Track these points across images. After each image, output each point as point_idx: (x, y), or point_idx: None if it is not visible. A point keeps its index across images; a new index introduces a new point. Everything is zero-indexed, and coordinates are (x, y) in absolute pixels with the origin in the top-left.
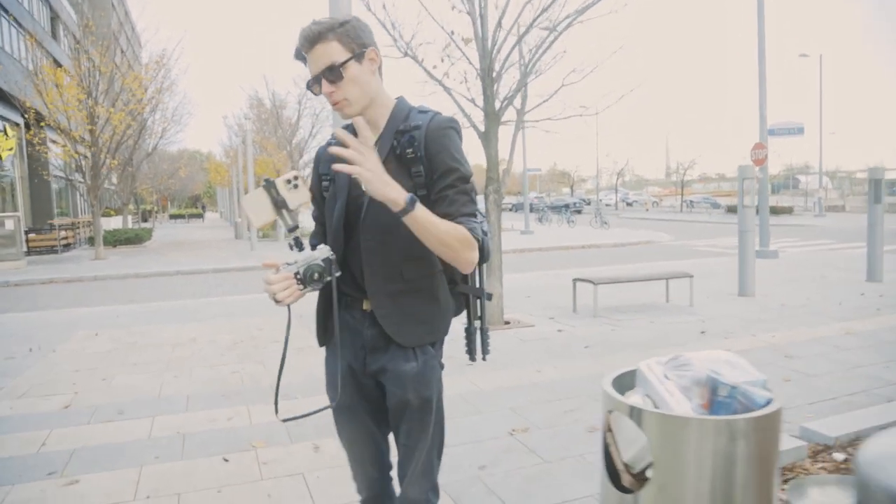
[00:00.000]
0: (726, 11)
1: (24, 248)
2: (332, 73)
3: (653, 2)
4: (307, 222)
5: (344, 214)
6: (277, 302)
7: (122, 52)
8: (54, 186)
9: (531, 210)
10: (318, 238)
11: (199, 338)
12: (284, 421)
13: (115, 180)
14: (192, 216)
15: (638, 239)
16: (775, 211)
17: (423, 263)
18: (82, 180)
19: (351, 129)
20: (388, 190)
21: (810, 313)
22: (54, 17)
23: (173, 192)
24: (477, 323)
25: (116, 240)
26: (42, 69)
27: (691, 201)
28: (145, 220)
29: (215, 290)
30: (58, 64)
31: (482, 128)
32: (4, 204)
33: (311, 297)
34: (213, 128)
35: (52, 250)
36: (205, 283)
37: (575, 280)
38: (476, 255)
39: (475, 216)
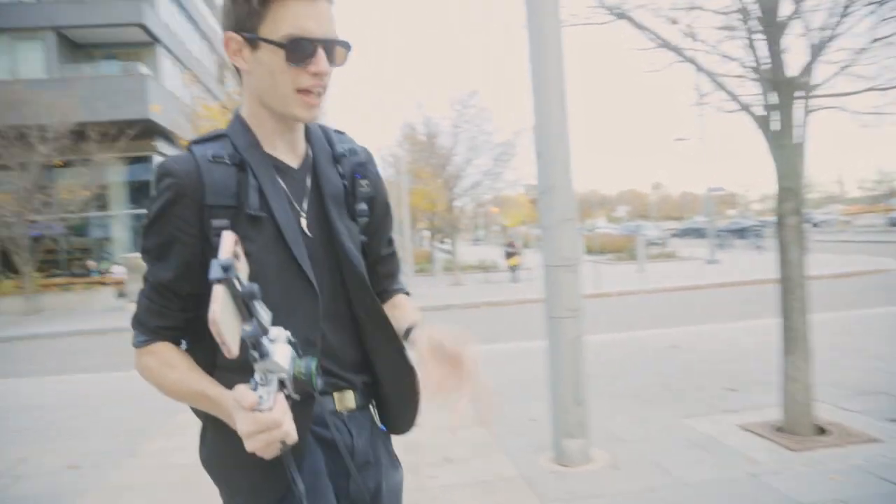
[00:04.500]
0: None
1: None
2: (342, 51)
3: None
4: None
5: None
6: (286, 446)
7: None
8: None
9: (703, 236)
10: (170, 318)
11: None
12: None
13: None
14: None
15: (860, 267)
16: None
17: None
18: None
19: (248, 142)
20: None
21: None
22: (222, 65)
23: None
24: None
25: None
26: (201, 107)
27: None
28: None
29: None
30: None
31: (762, 110)
32: None
33: None
34: None
35: None
36: None
37: None
38: None
39: None
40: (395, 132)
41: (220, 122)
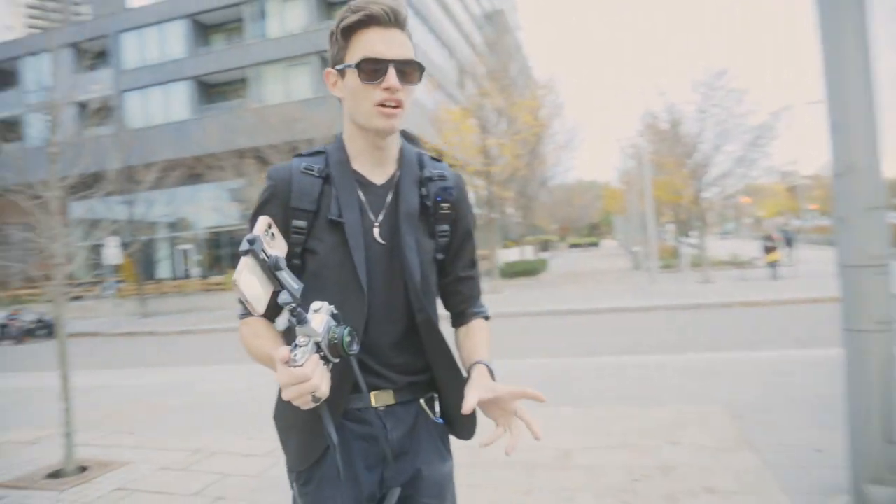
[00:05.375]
0: None
1: None
2: (413, 71)
3: None
4: None
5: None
6: (318, 400)
7: (520, 94)
8: None
9: None
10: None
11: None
12: None
13: (513, 212)
14: (588, 245)
15: None
16: None
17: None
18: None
19: (338, 159)
20: None
21: None
22: (462, 70)
23: (571, 221)
24: None
25: (513, 272)
26: (443, 111)
27: None
28: (545, 251)
29: (606, 337)
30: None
31: None
32: None
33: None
34: (607, 156)
35: None
36: (595, 326)
37: None
38: None
39: None
40: (637, 123)
41: (462, 125)
